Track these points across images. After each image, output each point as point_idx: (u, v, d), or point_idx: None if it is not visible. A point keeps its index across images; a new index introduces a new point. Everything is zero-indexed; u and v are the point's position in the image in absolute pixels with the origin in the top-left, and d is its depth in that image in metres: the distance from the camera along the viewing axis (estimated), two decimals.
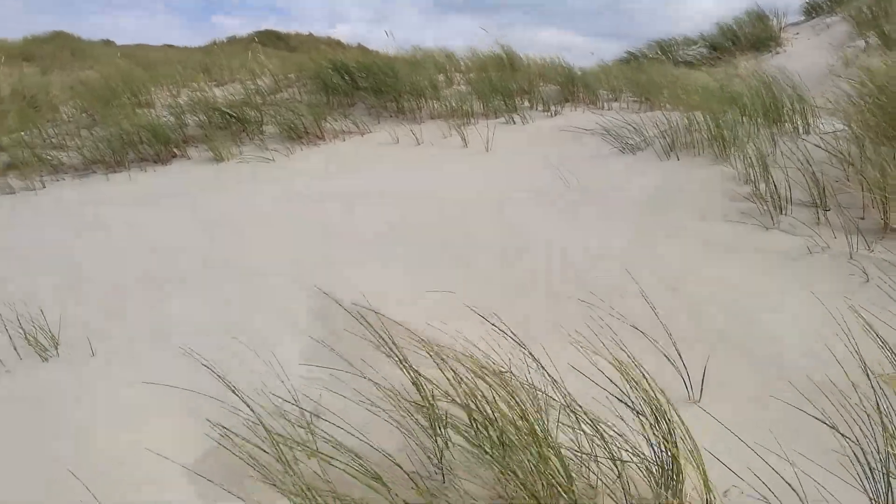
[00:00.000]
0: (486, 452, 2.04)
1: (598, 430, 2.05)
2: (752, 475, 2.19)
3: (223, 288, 3.72)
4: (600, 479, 2.07)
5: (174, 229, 4.85)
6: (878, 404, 1.98)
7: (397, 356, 2.36)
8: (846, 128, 4.38)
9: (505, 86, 7.86)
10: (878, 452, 1.96)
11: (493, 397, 2.14)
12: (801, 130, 4.87)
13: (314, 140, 7.18)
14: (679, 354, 2.68)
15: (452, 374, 2.21)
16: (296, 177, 6.07)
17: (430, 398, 2.31)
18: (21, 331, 3.28)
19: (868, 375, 2.14)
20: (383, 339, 2.48)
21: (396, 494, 2.12)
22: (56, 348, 3.22)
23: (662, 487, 2.10)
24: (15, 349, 3.22)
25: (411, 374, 2.32)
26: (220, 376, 2.47)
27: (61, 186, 6.56)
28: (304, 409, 2.50)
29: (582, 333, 2.80)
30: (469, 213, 4.55)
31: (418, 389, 2.30)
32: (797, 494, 2.08)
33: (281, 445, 2.18)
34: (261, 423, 2.22)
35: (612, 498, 2.13)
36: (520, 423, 2.06)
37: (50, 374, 3.03)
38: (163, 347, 3.12)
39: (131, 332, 3.31)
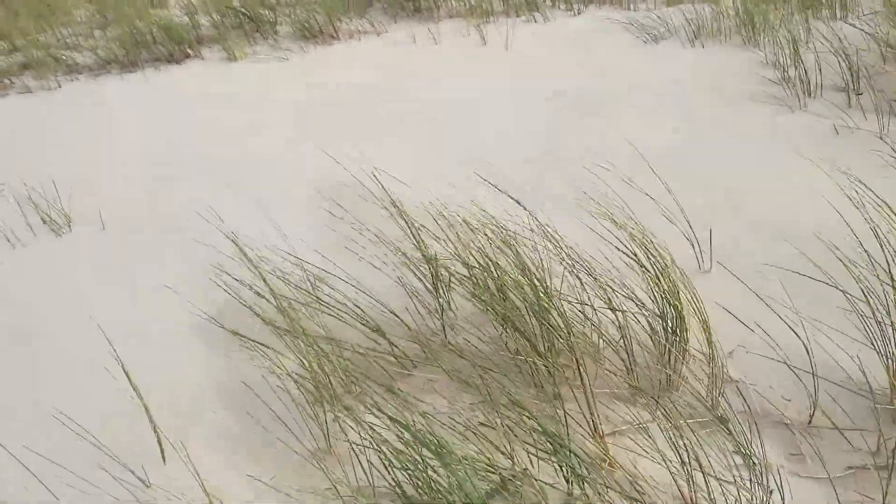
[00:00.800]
0: (485, 303, 2.03)
1: (599, 283, 2.02)
2: (759, 337, 2.16)
3: (229, 172, 3.70)
4: (602, 334, 2.05)
5: (184, 123, 4.80)
6: (889, 271, 1.91)
7: (403, 215, 2.33)
8: (884, 10, 4.11)
9: None
10: (889, 314, 1.91)
11: (494, 253, 2.11)
12: (837, 15, 4.59)
13: (329, 40, 6.98)
14: (690, 227, 2.62)
15: (457, 233, 2.18)
16: (310, 73, 5.94)
17: (434, 257, 2.29)
18: (35, 209, 3.32)
19: (882, 247, 2.06)
20: (393, 204, 2.44)
21: (396, 346, 2.14)
22: (69, 225, 3.26)
23: (666, 341, 2.08)
24: (30, 227, 3.27)
25: (413, 229, 2.29)
26: (232, 239, 2.47)
27: (76, 85, 6.52)
28: (310, 270, 2.51)
29: (598, 202, 2.73)
30: (482, 107, 4.42)
31: (417, 242, 2.28)
32: (805, 349, 2.05)
33: (288, 303, 2.19)
34: (265, 281, 2.23)
35: (613, 352, 2.12)
36: (520, 277, 2.04)
37: (62, 247, 3.08)
38: (174, 230, 3.13)
39: (141, 213, 3.33)
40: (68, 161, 3.98)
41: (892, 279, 1.86)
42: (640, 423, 1.92)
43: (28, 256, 3.04)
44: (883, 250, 1.92)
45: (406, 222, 2.34)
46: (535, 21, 7.09)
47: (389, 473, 1.64)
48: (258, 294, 2.25)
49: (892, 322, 1.90)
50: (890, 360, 1.90)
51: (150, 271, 2.76)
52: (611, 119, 3.76)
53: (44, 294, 2.72)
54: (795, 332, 2.12)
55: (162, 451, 1.97)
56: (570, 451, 1.63)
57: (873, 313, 1.90)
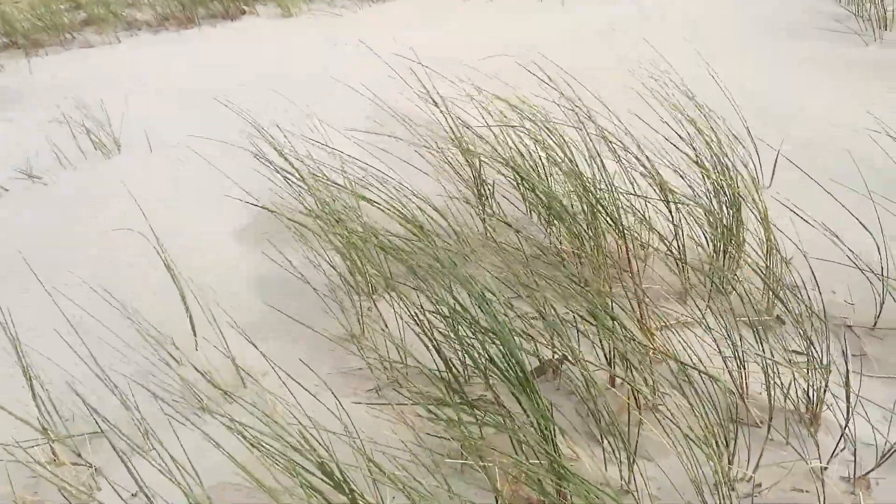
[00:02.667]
0: (527, 194, 1.95)
1: (654, 174, 1.91)
2: (821, 243, 2.02)
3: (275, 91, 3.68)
4: (653, 228, 1.94)
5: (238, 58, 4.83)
6: None
7: (441, 103, 2.26)
8: None
9: None
10: None
11: (543, 147, 2.02)
12: None
13: None
14: (755, 145, 2.47)
15: (499, 116, 2.10)
16: (364, 28, 5.91)
17: (474, 152, 2.21)
18: (87, 132, 3.38)
19: None
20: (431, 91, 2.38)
21: (435, 242, 2.08)
22: (118, 148, 3.31)
23: (722, 237, 1.96)
24: (80, 150, 3.33)
25: (452, 118, 2.22)
26: (274, 144, 2.45)
27: (136, 40, 6.66)
28: (354, 175, 2.47)
29: (664, 99, 2.61)
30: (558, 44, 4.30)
31: (454, 132, 2.21)
32: (878, 249, 1.91)
33: (332, 199, 2.15)
34: (302, 178, 2.19)
35: (666, 249, 2.01)
36: (566, 167, 1.95)
37: (112, 166, 3.13)
38: (225, 148, 3.14)
39: (188, 131, 3.35)
40: (122, 97, 4.05)
41: None
42: (691, 319, 1.82)
43: (81, 173, 3.10)
44: None
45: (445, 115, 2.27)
46: None
47: (430, 350, 1.59)
48: (302, 195, 2.22)
49: None
50: None
51: (191, 178, 2.77)
52: (677, 50, 3.60)
53: (91, 206, 2.77)
54: (868, 230, 1.98)
55: (194, 331, 1.97)
56: (613, 323, 1.54)
57: None
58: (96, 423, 1.73)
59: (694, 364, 1.60)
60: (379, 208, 2.05)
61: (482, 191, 2.24)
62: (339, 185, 1.99)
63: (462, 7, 5.98)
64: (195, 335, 1.98)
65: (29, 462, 1.64)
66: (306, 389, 1.69)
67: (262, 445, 1.37)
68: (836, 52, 3.37)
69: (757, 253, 2.00)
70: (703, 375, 1.63)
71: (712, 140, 2.01)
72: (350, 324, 1.94)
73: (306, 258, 2.21)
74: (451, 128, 2.20)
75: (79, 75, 4.56)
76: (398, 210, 2.09)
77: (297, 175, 2.17)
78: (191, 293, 2.14)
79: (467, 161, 2.27)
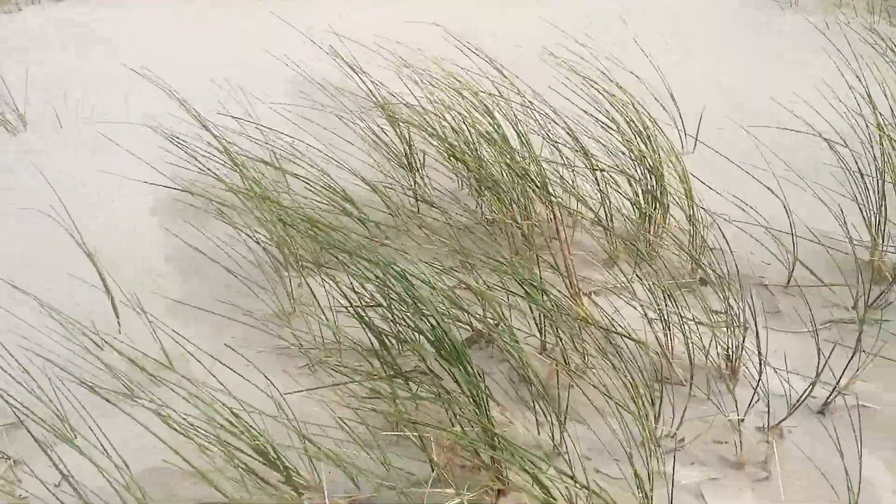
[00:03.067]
0: (456, 165, 1.95)
1: (578, 144, 1.94)
2: (739, 208, 2.11)
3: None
4: (580, 198, 1.98)
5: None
6: (879, 124, 1.84)
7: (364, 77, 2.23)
8: None
9: None
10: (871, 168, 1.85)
11: (470, 113, 2.02)
12: None
13: None
14: (679, 111, 2.54)
15: (427, 89, 2.08)
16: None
17: (405, 128, 2.19)
18: None
19: (868, 126, 1.98)
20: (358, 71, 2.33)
21: (366, 216, 2.06)
22: (24, 126, 3.11)
23: (646, 204, 2.01)
24: None
25: (377, 94, 2.19)
26: (195, 113, 2.35)
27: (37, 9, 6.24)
28: (279, 145, 2.40)
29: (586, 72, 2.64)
30: None
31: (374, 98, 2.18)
32: (784, 209, 2.00)
33: (256, 174, 2.09)
34: (228, 153, 2.11)
35: (593, 218, 2.06)
36: (495, 136, 1.95)
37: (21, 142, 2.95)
38: (135, 121, 2.99)
39: (102, 107, 3.17)
40: (26, 70, 3.79)
41: (880, 129, 1.80)
42: (618, 284, 1.87)
43: None
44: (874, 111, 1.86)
45: (365, 84, 2.24)
46: None
47: (362, 326, 1.58)
48: (223, 169, 2.15)
49: (874, 175, 1.84)
50: (871, 215, 1.85)
51: (106, 157, 2.64)
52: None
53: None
54: (774, 194, 2.07)
55: (117, 315, 1.89)
56: (542, 293, 1.57)
57: (858, 167, 1.85)
58: (14, 413, 1.65)
59: (620, 329, 1.65)
60: (305, 181, 2.01)
61: (412, 162, 2.23)
62: (263, 160, 1.94)
63: None
64: (118, 318, 1.90)
65: None
66: (232, 370, 1.66)
67: (192, 428, 1.34)
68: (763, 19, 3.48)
69: (677, 221, 2.07)
70: (628, 340, 1.68)
71: (632, 102, 2.05)
72: (280, 302, 1.91)
73: (231, 237, 2.15)
74: (379, 100, 2.17)
75: None
76: (325, 182, 2.05)
77: (219, 151, 2.10)
78: (110, 276, 2.05)
79: (397, 133, 2.25)
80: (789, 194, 2.16)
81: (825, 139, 1.92)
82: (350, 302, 1.58)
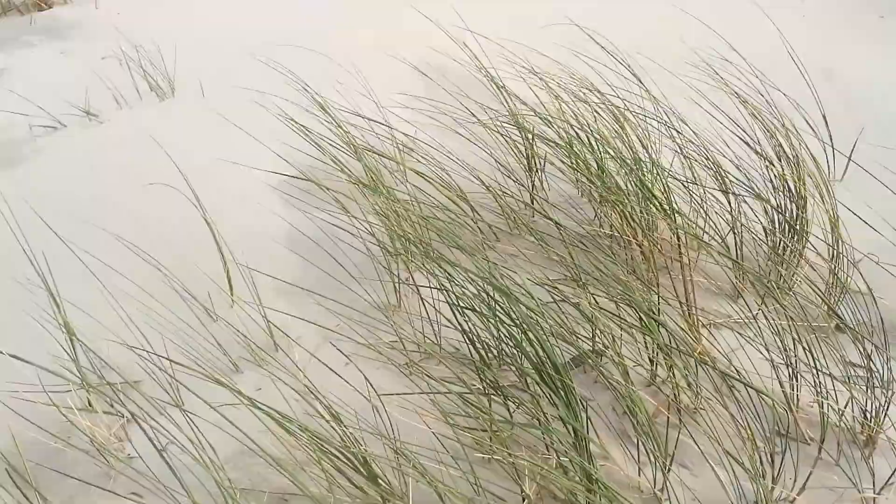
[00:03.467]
0: (578, 175, 1.85)
1: (713, 164, 1.79)
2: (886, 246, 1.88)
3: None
4: (709, 219, 1.83)
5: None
6: None
7: (495, 79, 2.16)
8: None
9: None
10: None
11: (596, 125, 1.91)
12: None
13: None
14: (829, 131, 2.30)
15: (552, 96, 1.99)
16: None
17: (528, 127, 2.11)
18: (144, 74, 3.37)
19: None
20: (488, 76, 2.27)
21: (480, 216, 2.01)
22: (173, 92, 3.29)
23: (782, 234, 1.83)
24: (137, 90, 3.33)
25: (505, 95, 2.12)
26: (317, 98, 2.38)
27: None
28: (399, 138, 2.39)
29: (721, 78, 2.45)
30: None
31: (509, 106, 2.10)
32: None
33: (374, 164, 2.08)
34: (353, 143, 2.12)
35: (720, 243, 1.90)
36: (623, 150, 1.84)
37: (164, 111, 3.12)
38: (266, 98, 3.09)
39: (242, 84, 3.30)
40: (179, 41, 4.01)
41: None
42: (742, 319, 1.71)
43: (137, 113, 3.10)
44: None
45: (499, 90, 2.17)
46: None
47: (462, 329, 1.53)
48: (343, 156, 2.17)
49: None
50: None
51: (243, 133, 2.74)
52: None
53: (141, 150, 2.76)
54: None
55: (231, 289, 1.96)
56: (658, 325, 1.46)
57: None
58: (124, 378, 1.74)
59: (739, 371, 1.50)
60: (425, 178, 1.99)
61: (533, 165, 2.15)
62: (380, 153, 1.93)
63: None
64: (231, 293, 1.97)
65: (66, 408, 1.66)
66: (329, 367, 1.66)
67: (284, 417, 1.35)
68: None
69: (820, 254, 1.87)
70: (749, 385, 1.54)
71: (775, 117, 1.87)
72: (386, 295, 1.90)
73: (345, 224, 2.16)
74: (504, 100, 2.10)
75: (142, 14, 4.53)
76: (442, 179, 2.02)
77: (342, 140, 2.11)
78: (228, 251, 2.12)
79: (522, 137, 2.18)
80: None
81: None
82: (453, 305, 1.54)
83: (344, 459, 1.28)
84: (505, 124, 2.15)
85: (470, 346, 1.53)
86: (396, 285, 1.88)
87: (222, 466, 1.33)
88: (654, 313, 1.45)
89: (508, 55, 2.89)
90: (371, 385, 1.45)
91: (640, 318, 1.46)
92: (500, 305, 1.36)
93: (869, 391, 1.41)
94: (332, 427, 1.31)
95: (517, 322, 1.32)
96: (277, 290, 1.99)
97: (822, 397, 1.45)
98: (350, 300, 1.91)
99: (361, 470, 1.26)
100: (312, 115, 2.43)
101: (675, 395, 1.49)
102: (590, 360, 1.60)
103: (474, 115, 2.39)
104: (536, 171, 2.16)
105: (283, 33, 3.75)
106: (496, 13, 3.62)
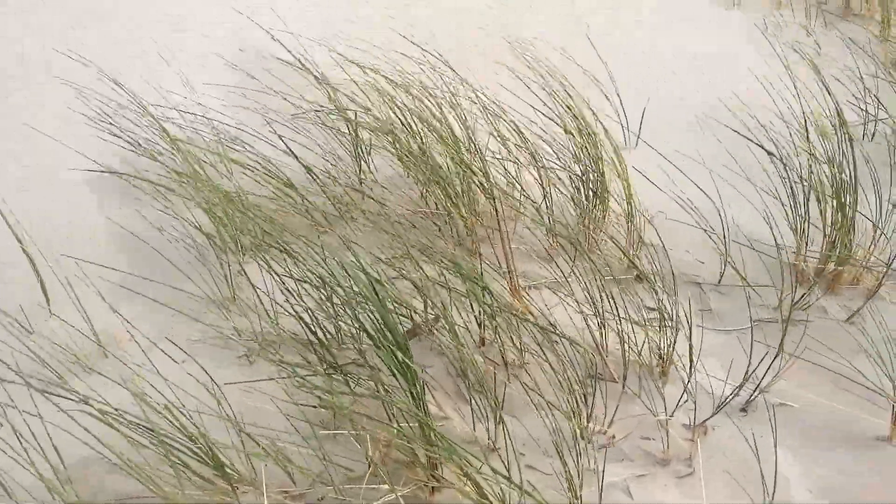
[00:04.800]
0: (403, 160, 1.93)
1: (522, 139, 1.95)
2: (678, 204, 2.16)
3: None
4: (523, 190, 2.00)
5: None
6: (808, 136, 1.92)
7: (314, 72, 2.18)
8: None
9: None
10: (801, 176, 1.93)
11: (416, 111, 2.01)
12: None
13: None
14: (622, 103, 2.58)
15: (377, 87, 2.05)
16: None
17: (354, 118, 2.16)
18: None
19: (805, 118, 2.06)
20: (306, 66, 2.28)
21: (307, 199, 2.03)
22: None
23: (587, 201, 2.05)
24: None
25: (329, 89, 2.15)
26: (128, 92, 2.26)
27: None
28: (220, 128, 2.33)
29: (533, 66, 2.64)
30: None
31: (331, 97, 2.14)
32: (718, 213, 2.06)
33: (195, 158, 2.03)
34: (166, 133, 2.05)
35: (535, 211, 2.08)
36: (442, 130, 1.95)
37: None
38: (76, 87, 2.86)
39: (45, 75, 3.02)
40: None
41: (807, 139, 1.87)
42: (557, 279, 1.90)
43: None
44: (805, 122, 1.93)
45: (318, 80, 2.19)
46: None
47: (296, 314, 1.56)
48: (163, 148, 2.08)
49: (801, 183, 1.92)
50: (797, 221, 1.93)
51: (41, 125, 2.52)
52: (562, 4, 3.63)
53: None
54: (708, 197, 2.13)
55: (46, 297, 1.83)
56: (483, 290, 1.59)
57: (788, 175, 1.92)
58: None
59: (555, 325, 1.68)
60: (244, 167, 1.97)
61: (359, 150, 2.20)
62: (195, 145, 1.88)
63: None
64: (48, 302, 1.83)
65: None
66: (168, 355, 1.62)
67: (122, 419, 1.31)
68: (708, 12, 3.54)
69: (620, 215, 2.11)
70: (563, 336, 1.72)
71: (575, 100, 2.07)
72: (219, 289, 1.87)
73: (167, 218, 2.09)
74: (327, 90, 2.12)
75: None
76: (266, 168, 2.01)
77: (157, 134, 2.02)
78: (43, 257, 1.97)
79: (344, 121, 2.22)
80: (726, 194, 2.23)
81: (755, 143, 1.98)
82: (290, 291, 1.56)
83: (190, 453, 1.28)
84: (330, 115, 2.18)
85: (306, 329, 1.56)
86: (229, 277, 1.86)
87: (69, 479, 1.27)
88: (477, 280, 1.57)
89: (337, 48, 2.91)
90: (211, 377, 1.44)
91: (467, 288, 1.58)
92: (335, 281, 1.41)
93: (661, 331, 1.65)
94: (173, 422, 1.30)
95: (351, 296, 1.37)
96: (104, 292, 1.88)
97: (623, 340, 1.66)
98: (182, 296, 1.86)
99: (208, 461, 1.27)
100: (130, 110, 2.30)
101: (501, 353, 1.63)
102: (423, 330, 1.69)
103: (300, 108, 2.39)
104: (362, 157, 2.22)
105: (70, 33, 3.46)
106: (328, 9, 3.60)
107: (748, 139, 2.10)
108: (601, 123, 2.22)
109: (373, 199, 1.98)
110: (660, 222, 2.14)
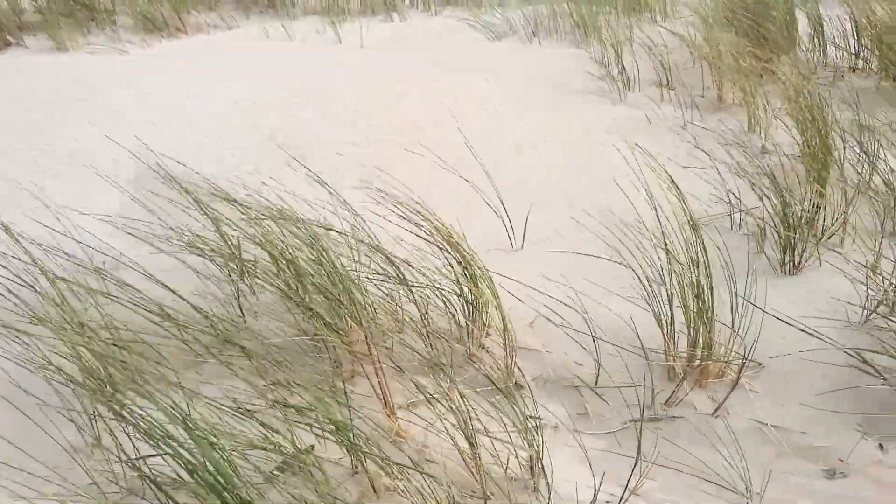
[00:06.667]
0: (286, 289, 1.96)
1: (397, 269, 2.01)
2: (556, 309, 2.24)
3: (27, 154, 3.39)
4: (400, 309, 2.04)
5: None
6: (665, 241, 2.04)
7: (199, 204, 2.22)
8: (694, 15, 4.46)
9: None
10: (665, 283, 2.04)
11: (291, 240, 2.05)
12: (659, 19, 4.94)
13: (175, 33, 6.65)
14: (504, 207, 2.69)
15: (253, 217, 2.10)
16: (149, 67, 5.61)
17: (235, 244, 2.19)
18: None
19: (662, 221, 2.19)
20: (188, 191, 2.32)
21: (188, 332, 2.02)
22: None
23: (464, 316, 2.10)
24: None
25: (212, 220, 2.19)
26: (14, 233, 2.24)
27: None
28: (90, 254, 2.33)
29: (409, 188, 2.74)
30: (315, 100, 4.34)
31: (218, 228, 2.18)
32: (584, 319, 2.14)
33: (65, 291, 2.01)
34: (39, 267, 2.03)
35: (416, 332, 2.12)
36: (322, 260, 1.99)
37: None
38: None
39: None
40: None
41: (666, 251, 1.98)
42: (432, 396, 1.92)
43: None
44: (673, 224, 2.05)
45: (200, 205, 2.23)
46: (392, 20, 7.13)
47: (164, 463, 1.53)
48: (22, 280, 2.06)
49: (665, 287, 2.02)
50: (664, 321, 2.02)
51: None
52: (447, 108, 3.81)
53: None
54: (579, 300, 2.22)
55: None
56: (350, 427, 1.60)
57: (649, 282, 2.02)
58: None
59: (428, 447, 1.69)
60: (111, 298, 1.96)
61: (242, 275, 2.22)
62: (68, 280, 1.87)
63: (265, 47, 5.85)
64: None
65: None
66: None
67: None
68: (594, 110, 3.77)
69: (499, 325, 2.17)
70: (444, 450, 1.73)
71: (447, 217, 2.16)
72: (84, 436, 1.82)
73: (31, 360, 2.05)
74: (208, 215, 2.16)
75: None
76: (144, 301, 2.01)
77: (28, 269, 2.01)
78: None
79: (225, 241, 2.25)
80: (602, 295, 2.32)
81: (615, 252, 2.09)
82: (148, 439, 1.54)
83: None
84: (204, 244, 2.21)
85: (153, 486, 1.54)
86: (94, 423, 1.82)
87: None
88: (344, 422, 1.58)
89: (221, 171, 2.97)
90: None
91: (336, 426, 1.58)
92: (191, 456, 1.40)
93: (531, 441, 1.67)
94: None
95: (201, 467, 1.36)
96: None
97: (494, 455, 1.68)
98: (41, 443, 1.80)
99: None
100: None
101: (371, 483, 1.63)
102: (291, 465, 1.68)
103: (182, 233, 2.41)
104: (242, 283, 2.24)
105: None
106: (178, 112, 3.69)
107: (621, 241, 2.21)
108: (482, 230, 2.31)
109: (247, 328, 1.99)
110: (540, 326, 2.21)
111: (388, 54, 5.52)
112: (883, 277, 2.10)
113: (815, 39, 4.23)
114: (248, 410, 1.67)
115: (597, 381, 2.02)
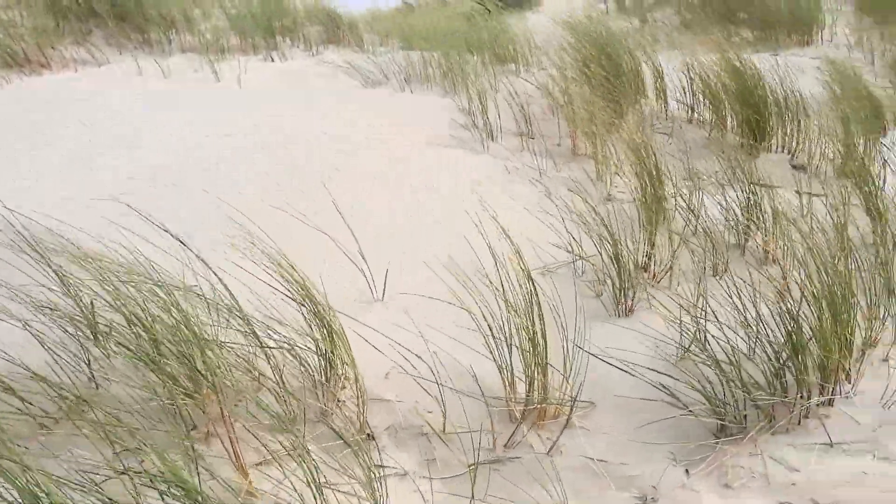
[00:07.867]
0: (138, 354, 1.98)
1: (251, 329, 2.08)
2: (410, 357, 2.37)
3: None
4: (253, 369, 2.11)
5: None
6: (505, 292, 2.23)
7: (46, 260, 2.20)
8: (554, 69, 4.83)
9: (267, 23, 7.64)
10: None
11: (144, 302, 2.08)
12: (520, 70, 5.30)
13: (37, 69, 6.37)
14: (364, 258, 2.81)
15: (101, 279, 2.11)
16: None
17: (88, 307, 2.18)
18: None
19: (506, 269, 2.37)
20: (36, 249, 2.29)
21: (32, 404, 2.00)
22: None
23: (321, 376, 2.20)
24: None
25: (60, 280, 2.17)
26: None
27: None
28: None
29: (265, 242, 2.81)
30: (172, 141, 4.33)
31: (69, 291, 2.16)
32: (430, 367, 2.29)
33: None
34: None
35: (271, 392, 2.18)
36: (177, 324, 2.03)
37: None
38: None
39: None
40: None
41: (505, 301, 2.17)
42: (285, 453, 2.00)
43: None
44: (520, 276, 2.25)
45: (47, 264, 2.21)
46: (273, 59, 7.16)
47: None
48: None
49: (504, 338, 2.21)
50: (504, 370, 2.20)
51: None
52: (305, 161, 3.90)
53: None
54: (430, 350, 2.37)
55: None
56: (200, 490, 1.65)
57: (492, 330, 2.20)
58: None
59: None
60: None
61: (94, 339, 2.21)
62: None
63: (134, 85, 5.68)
64: None
65: None
66: None
67: None
68: (457, 160, 3.98)
69: (352, 377, 2.28)
70: None
71: (301, 273, 2.26)
72: None
73: None
74: (58, 276, 2.14)
75: None
76: None
77: None
78: None
79: (73, 299, 2.23)
80: (447, 344, 2.47)
81: (458, 299, 2.26)
82: None
83: None
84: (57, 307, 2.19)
85: None
86: None
87: None
88: (193, 484, 1.63)
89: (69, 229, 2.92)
90: None
91: (180, 486, 1.63)
92: None
93: (380, 485, 1.78)
94: None
95: None
96: None
97: None
98: None
99: None
100: None
101: None
102: None
103: (32, 300, 2.37)
104: (87, 345, 2.23)
105: None
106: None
107: (468, 291, 2.37)
108: (340, 283, 2.42)
109: (93, 399, 1.99)
110: (395, 376, 2.34)
111: (264, 96, 5.55)
112: (695, 318, 2.39)
113: (657, 93, 4.69)
114: (92, 482, 1.68)
115: (444, 429, 2.17)
